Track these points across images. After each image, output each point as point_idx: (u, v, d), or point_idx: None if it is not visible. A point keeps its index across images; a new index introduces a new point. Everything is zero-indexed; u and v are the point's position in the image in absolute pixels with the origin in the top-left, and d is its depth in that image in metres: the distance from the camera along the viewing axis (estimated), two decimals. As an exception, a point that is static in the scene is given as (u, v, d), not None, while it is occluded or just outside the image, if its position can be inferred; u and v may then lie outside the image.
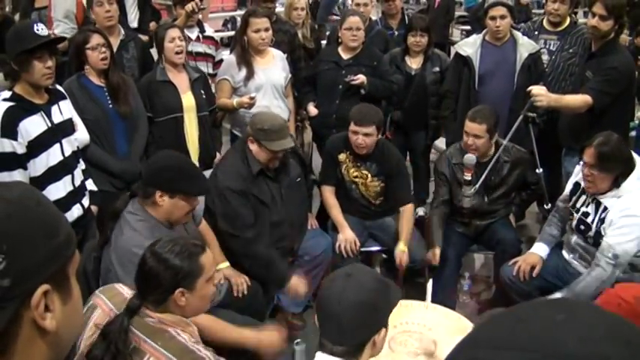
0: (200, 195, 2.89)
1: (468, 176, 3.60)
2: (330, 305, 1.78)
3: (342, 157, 3.92)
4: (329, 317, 1.78)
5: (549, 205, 3.93)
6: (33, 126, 3.00)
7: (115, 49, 4.12)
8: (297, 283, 3.41)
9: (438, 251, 3.76)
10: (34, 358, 0.82)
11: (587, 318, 0.60)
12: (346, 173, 3.93)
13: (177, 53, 3.98)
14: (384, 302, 1.83)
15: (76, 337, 0.92)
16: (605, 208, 3.15)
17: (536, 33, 4.59)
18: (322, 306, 1.82)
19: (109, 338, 1.91)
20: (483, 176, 3.62)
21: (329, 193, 3.99)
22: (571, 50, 4.43)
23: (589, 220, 3.24)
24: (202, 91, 4.12)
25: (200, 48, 5.03)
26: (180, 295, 2.04)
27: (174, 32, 3.98)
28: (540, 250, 3.56)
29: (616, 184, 3.12)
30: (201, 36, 5.10)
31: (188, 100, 4.02)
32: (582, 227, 3.28)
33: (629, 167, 3.12)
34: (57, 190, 3.07)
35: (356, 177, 3.93)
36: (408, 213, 3.90)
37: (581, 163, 3.22)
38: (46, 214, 0.84)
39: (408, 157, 5.17)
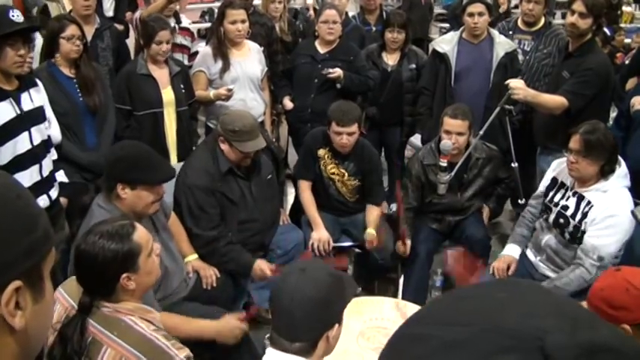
0: (162, 183, 2.83)
1: (443, 162, 3.59)
2: (283, 301, 1.75)
3: (321, 152, 3.88)
4: (281, 313, 1.76)
5: (523, 200, 3.96)
6: (0, 113, 2.93)
7: (89, 38, 4.07)
8: (261, 265, 3.40)
9: (407, 242, 3.73)
10: (2, 356, 0.79)
11: (529, 296, 0.59)
12: (324, 169, 3.90)
13: (160, 55, 3.92)
14: (337, 298, 1.81)
15: (45, 337, 0.89)
16: (589, 202, 3.14)
17: (510, 33, 4.61)
18: (275, 301, 1.80)
19: (65, 340, 1.89)
20: (455, 170, 3.61)
21: (306, 188, 3.95)
22: (545, 51, 4.46)
23: (568, 213, 3.23)
24: (182, 86, 4.07)
25: (176, 39, 4.98)
26: (127, 280, 1.98)
27: (164, 35, 3.88)
28: (512, 251, 3.56)
29: (602, 174, 3.13)
30: (177, 27, 5.06)
31: (168, 95, 3.98)
32: (561, 221, 3.27)
33: (614, 156, 3.13)
34: (22, 180, 2.96)
35: (333, 174, 3.91)
36: (376, 211, 3.92)
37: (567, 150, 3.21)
38: (26, 208, 0.81)
39: (382, 154, 5.17)
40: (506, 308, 0.57)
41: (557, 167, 3.42)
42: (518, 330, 0.53)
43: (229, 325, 2.75)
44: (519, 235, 3.62)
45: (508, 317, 0.55)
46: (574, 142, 3.11)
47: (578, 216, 3.18)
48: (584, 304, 2.24)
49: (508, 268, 3.49)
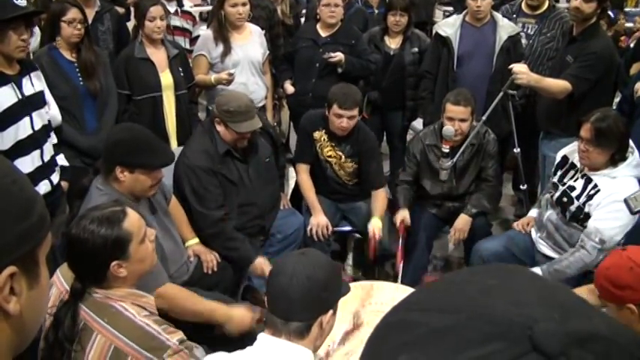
0: (161, 167, 2.81)
1: (446, 148, 3.58)
2: (282, 280, 1.77)
3: (317, 135, 3.87)
4: (279, 292, 1.77)
5: (525, 185, 3.95)
6: (2, 98, 2.92)
7: (89, 21, 4.04)
8: (262, 263, 3.39)
9: (405, 213, 3.74)
10: None
11: (521, 284, 0.58)
12: (320, 152, 3.89)
13: (155, 32, 3.91)
14: (333, 284, 1.82)
15: (41, 322, 0.89)
16: (596, 186, 3.14)
17: (514, 16, 4.57)
18: (274, 281, 1.80)
19: (57, 325, 1.89)
20: (457, 156, 3.61)
21: (304, 172, 3.93)
22: (549, 34, 4.42)
23: (574, 194, 3.23)
24: (180, 69, 4.06)
25: (177, 22, 4.97)
26: (117, 267, 1.96)
27: (156, 11, 3.88)
28: (533, 212, 3.65)
29: (612, 161, 3.12)
30: (179, 10, 5.04)
31: (166, 78, 3.97)
32: (565, 200, 3.27)
33: (625, 144, 3.12)
34: (24, 165, 2.97)
35: (330, 156, 3.89)
36: (381, 195, 3.88)
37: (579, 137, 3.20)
38: (21, 193, 0.80)
39: (384, 138, 5.16)
40: (495, 296, 0.56)
41: (569, 148, 3.42)
42: (506, 318, 0.52)
43: (243, 314, 2.71)
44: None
45: (497, 305, 0.54)
46: (585, 131, 3.10)
47: (583, 198, 3.18)
48: (586, 290, 2.25)
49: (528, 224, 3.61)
